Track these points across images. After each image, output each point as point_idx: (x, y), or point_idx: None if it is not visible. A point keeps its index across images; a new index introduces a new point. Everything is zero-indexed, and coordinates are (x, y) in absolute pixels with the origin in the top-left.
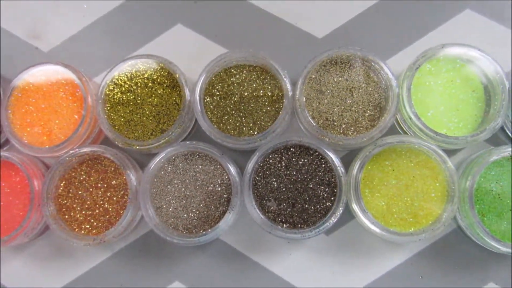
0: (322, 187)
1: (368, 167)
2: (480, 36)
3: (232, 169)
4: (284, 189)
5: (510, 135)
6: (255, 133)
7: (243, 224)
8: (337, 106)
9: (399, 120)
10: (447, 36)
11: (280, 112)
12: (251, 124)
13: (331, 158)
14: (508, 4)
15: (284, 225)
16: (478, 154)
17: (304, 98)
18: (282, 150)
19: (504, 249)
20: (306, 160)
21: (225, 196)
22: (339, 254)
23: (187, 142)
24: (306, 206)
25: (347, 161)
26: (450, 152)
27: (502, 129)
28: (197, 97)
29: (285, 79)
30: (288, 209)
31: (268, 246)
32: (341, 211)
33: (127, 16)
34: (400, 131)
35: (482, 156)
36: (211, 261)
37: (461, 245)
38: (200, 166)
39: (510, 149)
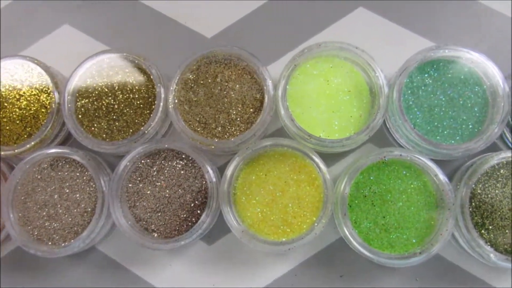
0: (194, 194)
1: (247, 171)
2: (373, 34)
3: (100, 175)
4: (154, 195)
5: (394, 136)
6: (128, 136)
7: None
8: (212, 107)
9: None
10: (340, 34)
11: (151, 115)
12: (124, 128)
13: (202, 163)
14: (397, 2)
15: (155, 234)
16: (358, 158)
17: (176, 100)
18: (154, 155)
19: (378, 259)
20: (178, 166)
21: (91, 204)
22: (221, 265)
23: (54, 147)
24: (177, 214)
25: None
26: (339, 156)
27: (389, 131)
28: (66, 100)
29: (157, 79)
30: (159, 218)
31: (147, 256)
32: (211, 219)
33: (15, 16)
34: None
35: (359, 159)
36: (88, 272)
37: (345, 254)
38: (66, 173)
39: (385, 152)
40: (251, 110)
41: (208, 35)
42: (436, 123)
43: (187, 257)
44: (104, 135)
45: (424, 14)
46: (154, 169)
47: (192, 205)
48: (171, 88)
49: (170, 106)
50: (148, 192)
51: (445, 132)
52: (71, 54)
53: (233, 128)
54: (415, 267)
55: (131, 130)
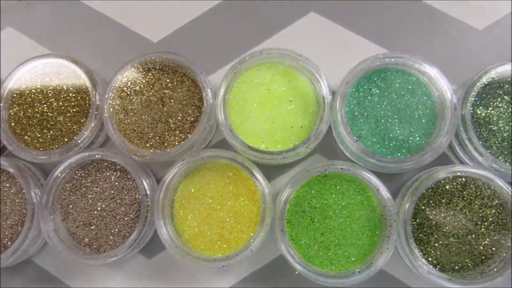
0: (127, 207)
1: (186, 183)
2: (325, 40)
3: (31, 186)
4: (87, 208)
5: (340, 148)
6: (62, 145)
7: None
8: (149, 116)
9: None
10: (290, 40)
11: (85, 124)
12: (59, 137)
13: (137, 174)
14: (350, 8)
15: (87, 248)
16: (301, 170)
17: (111, 108)
18: (88, 165)
19: (316, 277)
20: (112, 177)
21: (22, 217)
22: (161, 280)
23: None
24: (110, 227)
25: None
26: (286, 167)
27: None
28: None
29: (92, 85)
30: (91, 231)
31: (85, 269)
32: (145, 233)
33: None
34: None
35: (300, 173)
36: (24, 286)
37: (289, 270)
38: None
39: (326, 165)
40: (192, 119)
41: (154, 40)
42: (382, 135)
43: (126, 272)
44: (38, 144)
45: (377, 20)
46: (88, 180)
47: (126, 218)
48: (106, 95)
49: (104, 115)
50: (81, 204)
51: (391, 145)
52: (14, 58)
53: (172, 138)
54: (360, 284)
55: (65, 139)
